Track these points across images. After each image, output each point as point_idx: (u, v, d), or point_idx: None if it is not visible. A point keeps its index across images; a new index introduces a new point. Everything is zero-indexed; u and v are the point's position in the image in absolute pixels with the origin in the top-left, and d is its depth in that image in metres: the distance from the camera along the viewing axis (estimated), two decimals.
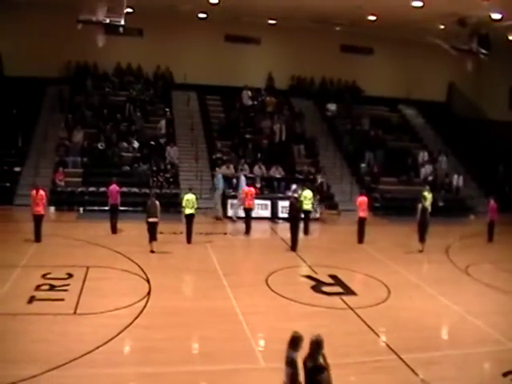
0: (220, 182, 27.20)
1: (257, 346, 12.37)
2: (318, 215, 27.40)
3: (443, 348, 12.90)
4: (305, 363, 8.14)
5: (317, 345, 8.16)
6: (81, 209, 26.76)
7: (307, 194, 24.66)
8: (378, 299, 15.70)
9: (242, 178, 27.16)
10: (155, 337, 12.35)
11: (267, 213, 27.52)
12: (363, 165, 32.66)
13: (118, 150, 29.90)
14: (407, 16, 28.44)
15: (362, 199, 23.11)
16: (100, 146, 29.84)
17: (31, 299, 14.18)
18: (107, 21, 22.94)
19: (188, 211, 21.59)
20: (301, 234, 22.64)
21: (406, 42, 35.47)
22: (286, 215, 24.80)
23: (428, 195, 25.50)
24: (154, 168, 29.07)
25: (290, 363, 8.13)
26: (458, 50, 25.85)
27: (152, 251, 19.70)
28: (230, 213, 27.01)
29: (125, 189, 25.65)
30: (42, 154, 28.92)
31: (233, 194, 27.83)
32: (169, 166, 29.43)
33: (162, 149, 30.61)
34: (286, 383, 8.14)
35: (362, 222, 22.88)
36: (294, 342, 8.31)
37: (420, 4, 25.67)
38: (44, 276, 16.10)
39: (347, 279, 17.49)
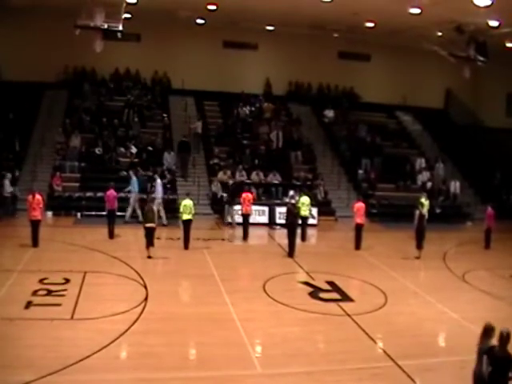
0: (135, 185, 26.33)
1: (254, 352, 12.34)
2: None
3: (440, 354, 12.88)
4: (494, 353, 8.70)
5: (508, 337, 8.68)
6: (78, 214, 26.72)
7: (305, 200, 24.68)
8: (375, 306, 15.70)
9: (158, 182, 26.54)
10: (152, 342, 12.32)
11: (265, 219, 27.52)
12: (360, 171, 32.67)
13: (115, 155, 29.90)
14: (405, 23, 28.47)
15: (360, 205, 23.11)
16: (97, 150, 29.82)
17: (28, 304, 14.14)
18: (105, 26, 22.99)
19: (185, 217, 21.57)
20: (298, 240, 22.66)
21: (404, 49, 35.56)
22: (283, 221, 24.77)
23: (425, 202, 25.45)
24: (151, 174, 29.00)
25: (486, 352, 8.76)
26: (456, 56, 25.94)
27: (149, 257, 19.67)
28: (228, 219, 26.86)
29: (122, 194, 25.66)
30: (39, 158, 28.91)
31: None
32: (166, 172, 29.40)
33: (188, 148, 31.29)
34: (480, 371, 8.82)
35: (359, 229, 22.89)
36: (487, 332, 9.00)
37: (418, 11, 25.71)
38: (41, 281, 16.07)
39: (344, 285, 17.49)
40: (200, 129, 32.78)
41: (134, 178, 26.42)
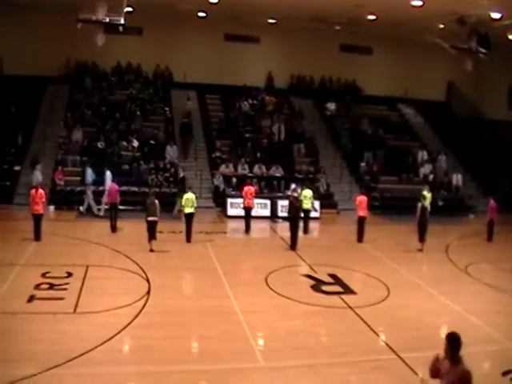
0: (90, 176, 26.29)
1: (256, 345, 12.36)
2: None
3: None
4: None
5: None
6: (80, 208, 26.69)
7: (307, 193, 24.69)
8: (377, 298, 15.71)
9: (107, 173, 26.01)
10: (154, 336, 12.35)
11: (267, 212, 27.53)
12: (362, 164, 32.65)
13: (117, 148, 29.89)
14: (407, 15, 28.47)
15: (362, 198, 23.09)
16: (100, 144, 29.80)
17: (31, 298, 14.17)
18: (107, 20, 22.97)
19: (188, 210, 21.58)
20: (300, 233, 22.68)
21: (406, 42, 35.50)
22: (285, 214, 24.78)
23: (427, 194, 25.51)
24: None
25: None
26: (458, 49, 25.88)
27: (151, 250, 19.69)
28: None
29: (124, 188, 25.70)
30: (41, 152, 28.91)
31: (233, 193, 27.90)
32: (168, 165, 29.42)
33: (190, 129, 32.34)
34: None
35: (361, 221, 22.87)
36: None
37: (419, 3, 25.68)
38: (44, 275, 16.09)
39: (347, 278, 17.50)
40: (190, 108, 33.72)
41: (90, 170, 26.36)
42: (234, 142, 32.12)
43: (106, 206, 24.81)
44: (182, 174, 27.96)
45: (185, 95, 34.71)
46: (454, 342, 7.62)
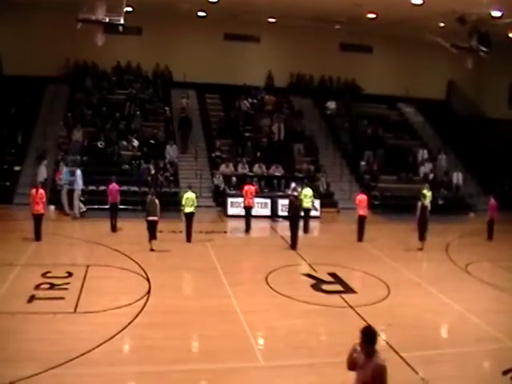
0: (66, 177, 26.05)
1: (256, 344, 12.38)
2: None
3: (443, 346, 12.89)
4: None
5: None
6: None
7: (307, 192, 24.69)
8: (377, 297, 15.71)
9: (78, 173, 25.79)
10: (155, 335, 12.36)
11: (267, 211, 27.52)
12: (362, 163, 32.63)
13: (117, 148, 29.88)
14: (407, 14, 28.37)
15: (362, 197, 23.09)
16: (100, 144, 29.80)
17: (31, 298, 14.18)
18: (107, 20, 22.96)
19: (188, 210, 21.59)
20: (300, 233, 22.67)
21: (406, 40, 35.43)
22: (285, 213, 24.77)
23: (427, 193, 25.48)
24: (152, 166, 28.98)
25: None
26: (458, 47, 25.86)
27: (152, 250, 19.70)
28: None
29: (124, 187, 25.69)
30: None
31: (233, 192, 27.88)
32: (168, 165, 29.41)
33: (189, 123, 32.63)
34: None
35: (361, 220, 22.86)
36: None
37: (420, 1, 25.63)
38: (44, 275, 16.10)
39: (347, 277, 17.49)
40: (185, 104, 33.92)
41: (66, 169, 26.31)
42: (233, 142, 32.09)
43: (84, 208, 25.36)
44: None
45: (184, 95, 34.68)
46: (367, 336, 7.63)
